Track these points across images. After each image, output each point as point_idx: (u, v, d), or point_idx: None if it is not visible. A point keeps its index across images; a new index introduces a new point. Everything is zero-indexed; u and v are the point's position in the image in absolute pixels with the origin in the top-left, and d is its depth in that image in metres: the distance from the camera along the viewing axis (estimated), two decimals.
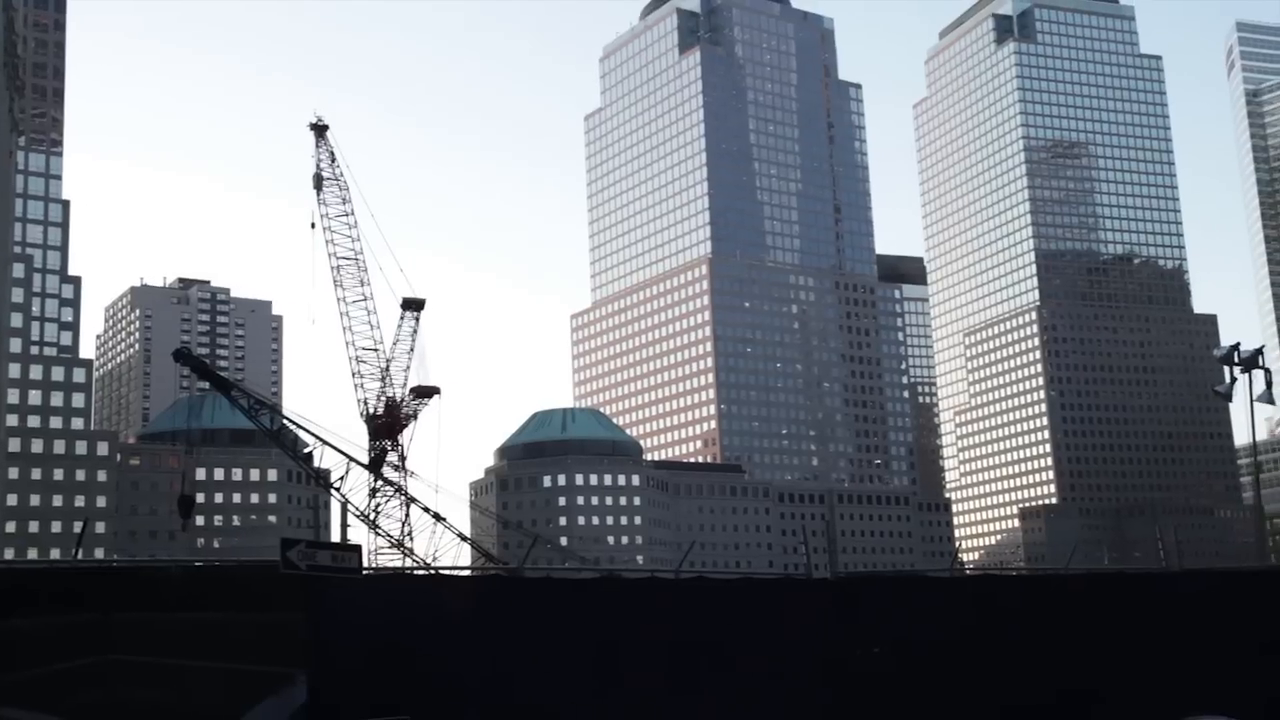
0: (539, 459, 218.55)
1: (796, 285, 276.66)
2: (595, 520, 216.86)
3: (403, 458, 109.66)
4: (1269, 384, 56.53)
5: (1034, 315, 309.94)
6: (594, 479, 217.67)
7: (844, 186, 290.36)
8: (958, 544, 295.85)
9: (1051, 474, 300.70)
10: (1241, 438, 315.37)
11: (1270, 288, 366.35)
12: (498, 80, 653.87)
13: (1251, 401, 56.48)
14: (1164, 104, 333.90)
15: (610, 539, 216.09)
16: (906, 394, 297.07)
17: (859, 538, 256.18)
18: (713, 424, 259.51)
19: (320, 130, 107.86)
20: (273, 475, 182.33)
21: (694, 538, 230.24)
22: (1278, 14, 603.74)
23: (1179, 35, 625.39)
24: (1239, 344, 56.39)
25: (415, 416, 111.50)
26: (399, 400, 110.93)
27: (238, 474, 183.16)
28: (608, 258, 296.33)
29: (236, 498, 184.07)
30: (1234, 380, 57.23)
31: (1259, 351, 56.45)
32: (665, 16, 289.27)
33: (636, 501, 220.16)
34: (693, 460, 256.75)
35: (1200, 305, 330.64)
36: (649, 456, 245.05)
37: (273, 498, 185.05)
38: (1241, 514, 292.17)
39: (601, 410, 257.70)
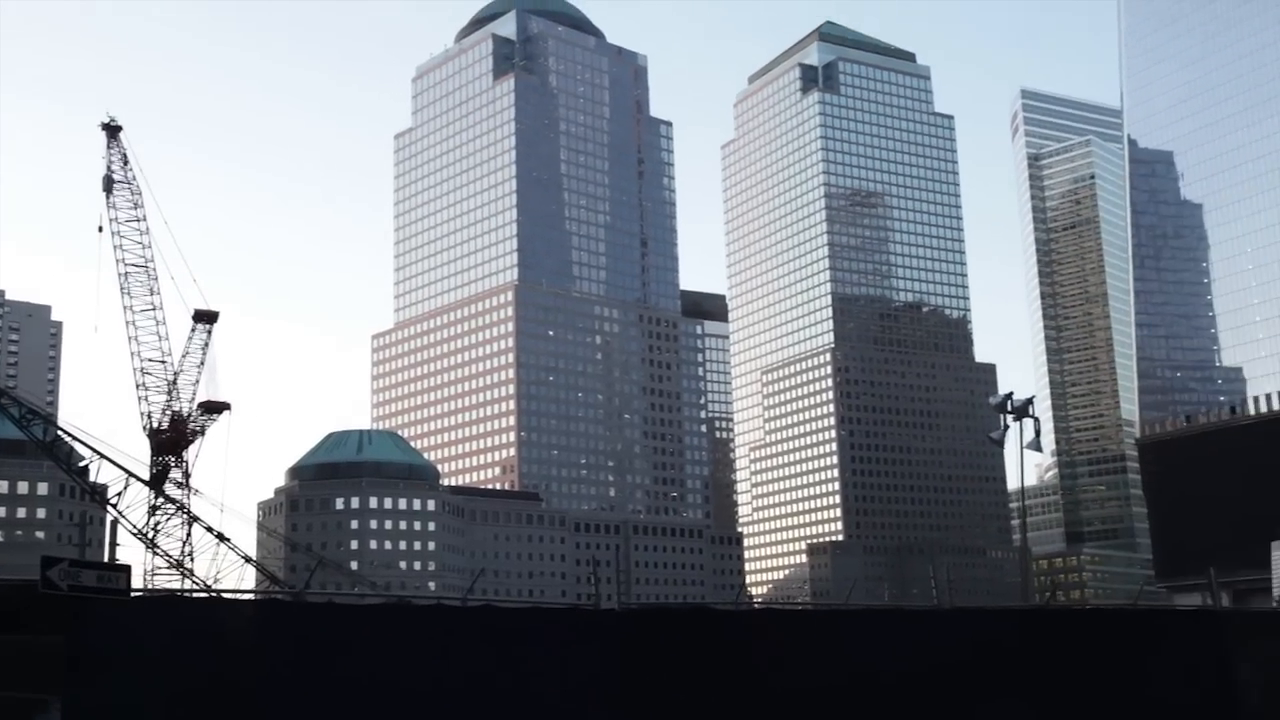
0: (332, 480, 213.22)
1: (601, 316, 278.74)
2: (388, 545, 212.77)
3: (187, 475, 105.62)
4: (1038, 432, 60.14)
5: (828, 357, 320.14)
6: (388, 502, 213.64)
7: (651, 221, 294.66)
8: (748, 577, 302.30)
9: (839, 511, 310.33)
10: (1014, 482, 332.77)
11: (1044, 341, 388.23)
12: (309, 96, 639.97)
13: (1021, 448, 59.95)
14: (955, 161, 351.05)
15: (403, 564, 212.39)
16: (704, 428, 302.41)
17: (653, 569, 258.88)
18: (512, 451, 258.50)
19: (113, 131, 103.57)
20: (43, 489, 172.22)
21: (488, 565, 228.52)
22: (1060, 84, 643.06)
23: (970, 97, 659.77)
24: (1012, 394, 59.86)
25: (203, 433, 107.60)
26: (186, 415, 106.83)
27: (4, 486, 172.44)
28: (412, 279, 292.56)
29: (2, 512, 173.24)
30: (1007, 428, 60.72)
31: (1029, 402, 60.05)
32: (480, 41, 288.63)
33: (431, 527, 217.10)
34: (491, 487, 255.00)
35: (981, 354, 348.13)
36: (446, 481, 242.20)
37: (42, 513, 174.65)
38: (1011, 555, 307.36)
39: (400, 433, 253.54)
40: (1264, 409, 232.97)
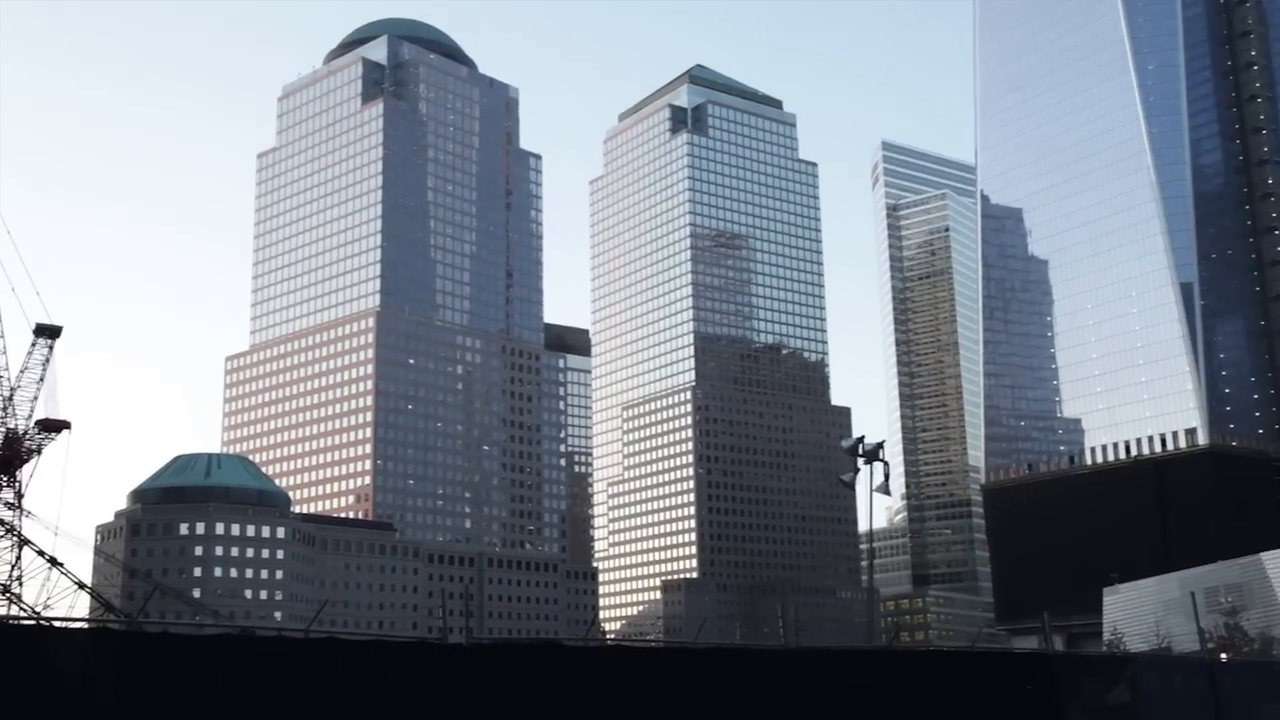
0: (177, 505, 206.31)
1: (463, 346, 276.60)
2: (234, 573, 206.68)
3: (19, 495, 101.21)
4: (887, 476, 61.51)
5: (689, 395, 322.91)
6: (235, 529, 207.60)
7: (517, 253, 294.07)
8: (602, 613, 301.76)
9: (694, 548, 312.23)
10: (865, 524, 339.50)
11: (898, 387, 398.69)
12: (172, 113, 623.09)
13: (871, 491, 61.34)
14: (817, 207, 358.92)
15: (248, 593, 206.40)
16: (563, 462, 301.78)
17: (507, 602, 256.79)
18: (367, 480, 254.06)
19: None
20: None
21: (339, 596, 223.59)
22: (919, 139, 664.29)
23: (834, 146, 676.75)
24: (863, 438, 61.18)
25: (39, 452, 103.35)
26: (22, 433, 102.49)
27: None
28: (270, 302, 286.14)
29: None
30: (857, 471, 62.02)
31: (880, 446, 61.44)
32: (350, 64, 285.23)
33: (280, 555, 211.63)
34: (344, 516, 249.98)
35: (838, 398, 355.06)
36: (298, 509, 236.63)
37: None
38: (860, 595, 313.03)
39: (252, 458, 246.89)
40: (1100, 460, 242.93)
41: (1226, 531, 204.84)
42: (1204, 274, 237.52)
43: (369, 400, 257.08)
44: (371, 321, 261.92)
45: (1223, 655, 63.76)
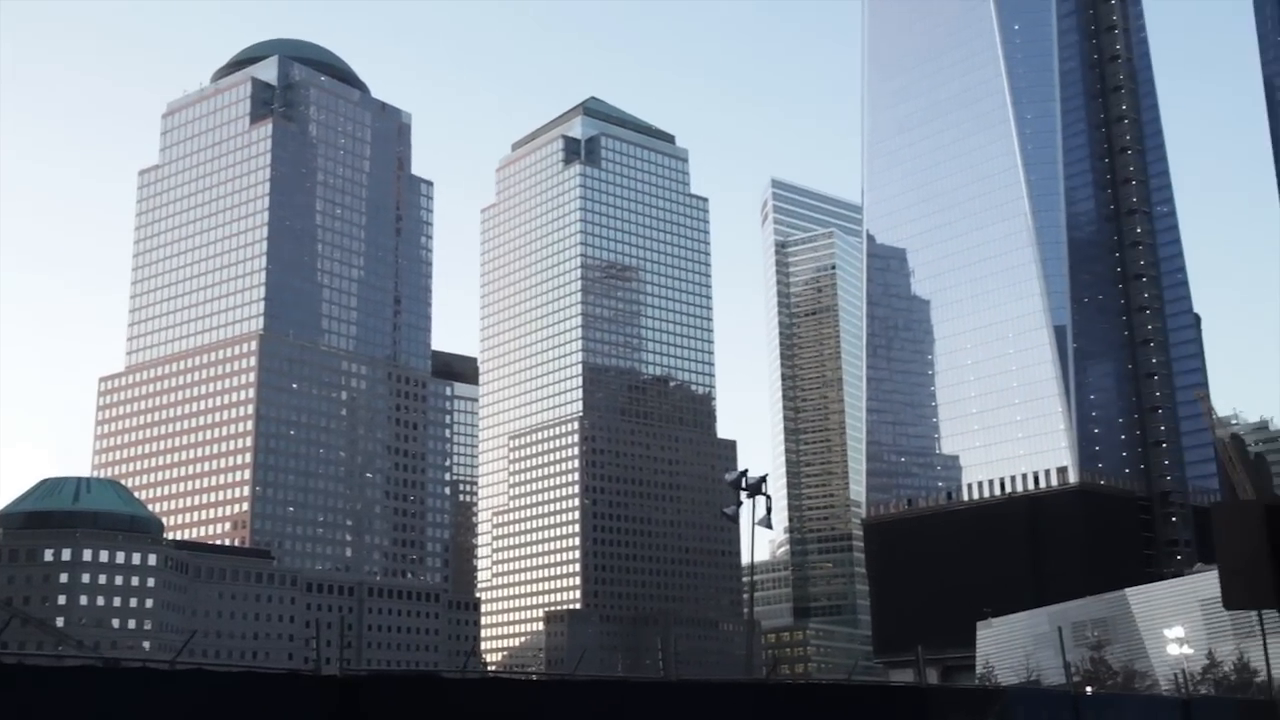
0: (42, 530, 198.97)
1: (348, 372, 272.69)
2: (101, 601, 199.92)
3: None
4: (769, 510, 62.17)
5: (576, 425, 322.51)
6: (104, 556, 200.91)
7: (406, 279, 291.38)
8: (484, 644, 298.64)
9: (578, 579, 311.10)
10: (748, 557, 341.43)
11: (783, 421, 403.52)
12: (51, 127, 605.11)
13: (754, 524, 61.98)
14: (707, 242, 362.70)
15: (116, 622, 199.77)
16: (448, 490, 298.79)
17: (386, 633, 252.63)
18: (245, 506, 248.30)
19: None
20: None
21: (212, 625, 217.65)
22: (809, 177, 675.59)
23: (725, 182, 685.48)
24: (746, 471, 61.83)
25: None
26: None
27: None
28: (149, 322, 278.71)
29: None
30: (740, 504, 62.64)
31: (763, 479, 62.09)
32: (239, 84, 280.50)
33: (150, 583, 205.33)
34: (220, 543, 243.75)
35: (724, 431, 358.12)
36: (172, 535, 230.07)
37: None
38: (742, 628, 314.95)
39: (124, 483, 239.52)
40: (976, 496, 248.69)
41: (1094, 568, 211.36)
42: (1076, 318, 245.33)
43: (249, 425, 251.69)
44: (254, 344, 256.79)
45: (1088, 688, 65.62)
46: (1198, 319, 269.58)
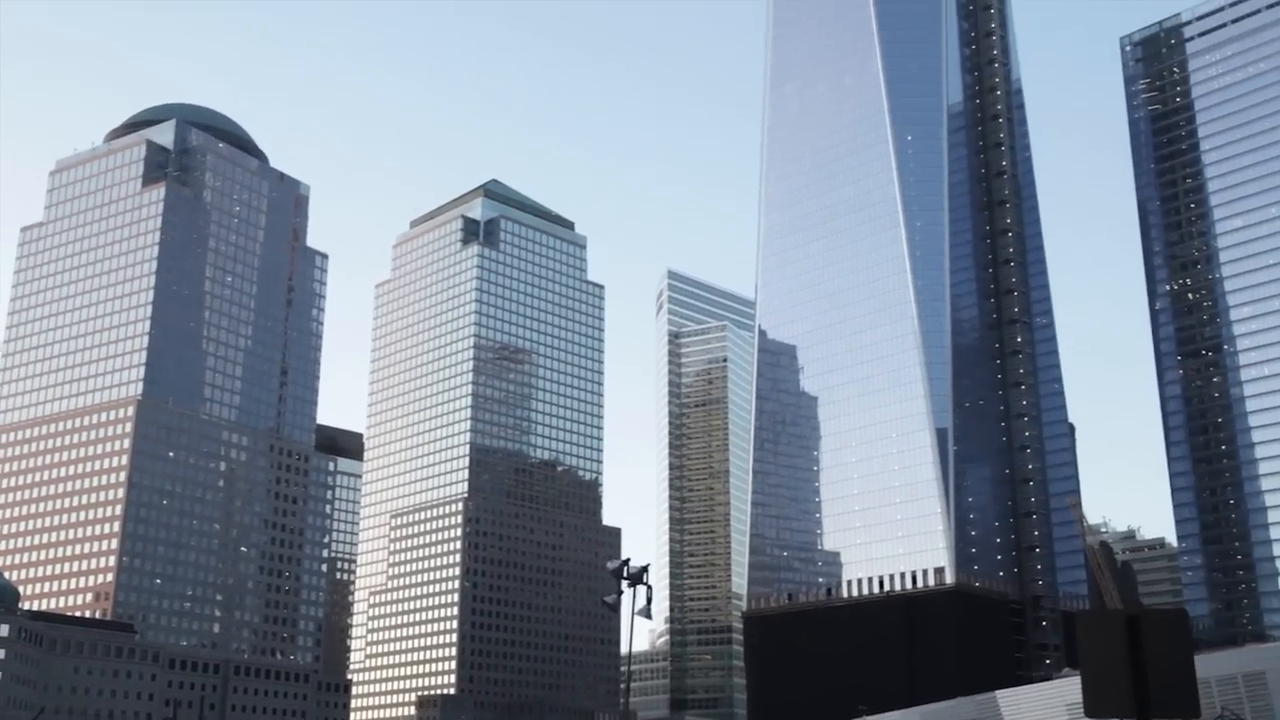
0: None
1: (229, 442, 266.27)
2: None
3: None
4: (649, 600, 62.15)
5: (460, 506, 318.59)
6: None
7: (295, 351, 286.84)
8: None
9: (454, 663, 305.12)
10: (627, 646, 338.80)
11: (669, 511, 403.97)
12: None
13: (634, 614, 61.80)
14: (601, 329, 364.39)
15: None
16: (325, 568, 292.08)
17: (252, 714, 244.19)
18: (109, 577, 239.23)
19: None
20: None
21: (65, 701, 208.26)
22: (704, 270, 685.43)
23: (622, 271, 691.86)
24: (628, 560, 61.84)
25: None
26: None
27: None
28: (20, 382, 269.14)
29: None
30: (620, 593, 62.49)
31: (644, 569, 62.14)
32: (133, 145, 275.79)
33: (0, 655, 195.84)
34: (81, 615, 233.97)
35: (609, 518, 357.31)
36: (28, 605, 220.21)
37: None
38: (618, 718, 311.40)
39: None
40: (855, 593, 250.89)
41: (967, 668, 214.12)
42: (958, 421, 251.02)
43: (120, 493, 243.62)
44: (131, 410, 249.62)
45: None
46: (1072, 428, 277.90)
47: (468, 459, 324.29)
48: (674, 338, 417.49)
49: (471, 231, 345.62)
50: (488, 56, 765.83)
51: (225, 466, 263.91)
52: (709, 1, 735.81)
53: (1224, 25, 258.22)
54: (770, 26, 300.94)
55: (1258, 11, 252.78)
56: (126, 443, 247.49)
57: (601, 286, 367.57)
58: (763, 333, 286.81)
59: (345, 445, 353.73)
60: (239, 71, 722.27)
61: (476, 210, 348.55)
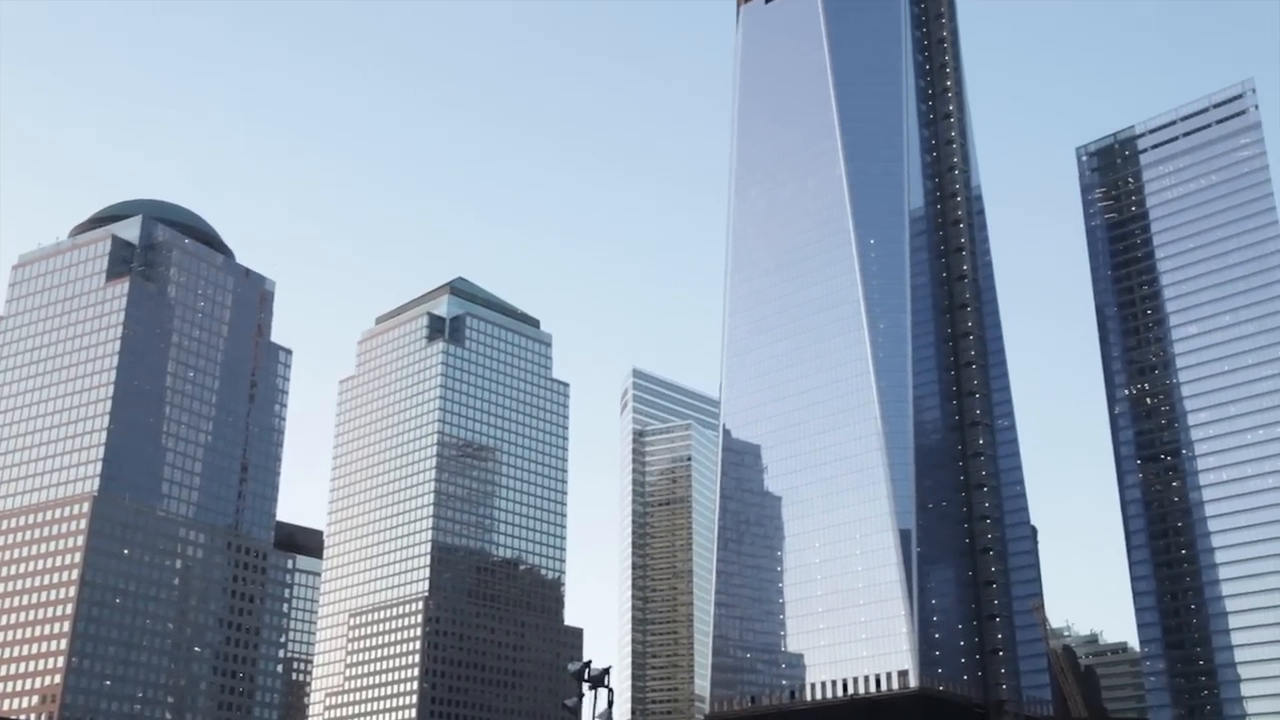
0: None
1: (186, 540, 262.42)
2: None
3: None
4: (610, 703, 61.45)
5: (420, 605, 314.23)
6: None
7: (256, 448, 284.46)
8: None
9: None
10: None
11: (631, 611, 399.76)
12: None
13: (594, 717, 60.94)
14: (566, 426, 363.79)
15: None
16: (281, 668, 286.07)
17: None
18: (58, 678, 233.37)
19: None
20: None
21: None
22: (667, 368, 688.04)
23: (587, 369, 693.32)
24: (590, 662, 61.20)
25: None
26: None
27: None
28: None
29: None
30: (581, 696, 61.71)
31: (606, 672, 61.55)
32: (99, 240, 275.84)
33: None
34: (25, 717, 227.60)
35: (572, 618, 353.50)
36: None
37: None
38: None
39: None
40: (819, 696, 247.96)
41: None
42: (921, 523, 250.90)
43: (71, 591, 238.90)
44: (87, 506, 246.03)
45: None
46: (1034, 531, 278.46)
47: (429, 557, 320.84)
48: (638, 436, 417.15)
49: (437, 328, 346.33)
50: (456, 153, 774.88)
51: (181, 564, 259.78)
52: (676, 99, 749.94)
53: (1175, 139, 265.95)
54: (736, 129, 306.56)
55: (1208, 126, 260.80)
56: (80, 540, 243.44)
57: (566, 384, 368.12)
58: (727, 432, 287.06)
59: (305, 543, 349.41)
60: (207, 167, 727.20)
61: (442, 307, 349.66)
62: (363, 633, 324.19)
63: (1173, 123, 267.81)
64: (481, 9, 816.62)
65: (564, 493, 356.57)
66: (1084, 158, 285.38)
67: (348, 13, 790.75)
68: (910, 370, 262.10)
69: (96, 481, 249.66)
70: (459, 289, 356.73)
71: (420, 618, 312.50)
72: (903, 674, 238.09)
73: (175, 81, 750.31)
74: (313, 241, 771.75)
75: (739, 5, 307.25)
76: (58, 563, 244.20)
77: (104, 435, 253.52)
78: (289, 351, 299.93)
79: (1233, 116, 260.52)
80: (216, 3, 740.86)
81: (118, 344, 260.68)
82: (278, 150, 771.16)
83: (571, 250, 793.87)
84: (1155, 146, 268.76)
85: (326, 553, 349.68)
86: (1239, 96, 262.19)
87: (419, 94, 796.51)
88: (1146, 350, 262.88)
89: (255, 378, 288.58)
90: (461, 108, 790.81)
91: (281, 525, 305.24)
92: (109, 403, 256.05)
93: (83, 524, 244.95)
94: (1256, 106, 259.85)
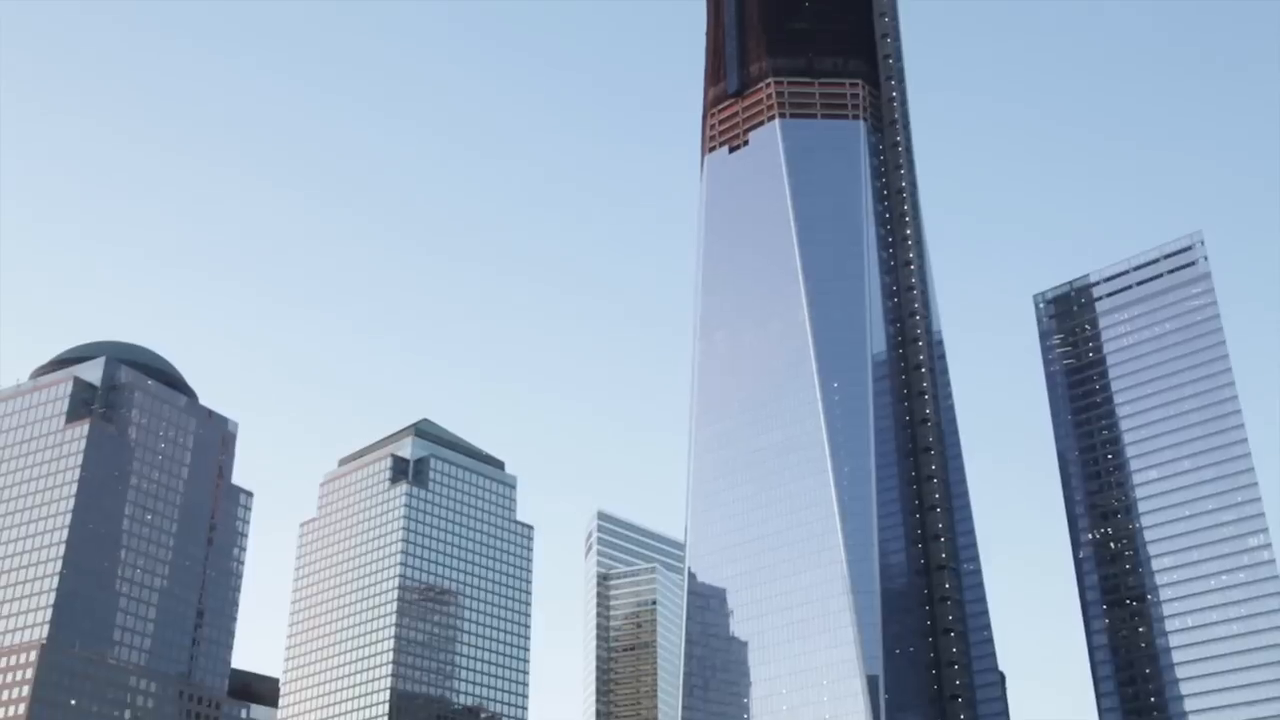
0: None
1: (136, 689, 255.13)
2: None
3: None
4: None
5: None
6: None
7: (213, 593, 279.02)
8: None
9: None
10: None
11: None
12: None
13: None
14: (530, 570, 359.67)
15: None
16: None
17: None
18: None
19: None
20: None
21: None
22: (632, 511, 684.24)
23: (552, 510, 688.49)
24: None
25: None
26: None
27: None
28: None
29: None
30: None
31: None
32: (59, 382, 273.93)
33: None
34: None
35: None
36: None
37: None
38: None
39: None
40: None
41: None
42: (888, 668, 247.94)
43: None
44: (34, 655, 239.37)
45: None
46: (1002, 677, 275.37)
47: (388, 704, 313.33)
48: (603, 579, 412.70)
49: (400, 470, 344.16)
50: (421, 293, 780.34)
51: (130, 715, 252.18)
52: (643, 242, 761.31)
53: (1129, 287, 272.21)
54: (700, 274, 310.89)
55: (1159, 276, 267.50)
56: (26, 690, 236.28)
57: (531, 527, 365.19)
58: (693, 575, 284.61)
59: (260, 690, 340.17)
60: (171, 309, 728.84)
61: (406, 449, 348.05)
62: None
63: (1125, 272, 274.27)
64: (450, 147, 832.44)
65: (527, 638, 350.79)
66: (1041, 305, 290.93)
67: (309, 152, 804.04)
68: (875, 514, 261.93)
69: (46, 629, 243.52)
70: (424, 430, 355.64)
71: None
72: None
73: (139, 224, 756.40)
74: (277, 382, 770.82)
75: (703, 154, 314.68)
76: (1, 715, 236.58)
77: (55, 581, 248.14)
78: (249, 494, 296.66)
79: (1183, 267, 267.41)
80: (183, 144, 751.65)
81: (74, 487, 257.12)
82: (243, 292, 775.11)
83: (536, 391, 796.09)
84: (1110, 295, 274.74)
85: (282, 701, 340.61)
86: (1189, 248, 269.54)
87: (384, 233, 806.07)
88: (1109, 494, 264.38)
89: (214, 521, 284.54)
90: (428, 248, 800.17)
91: (237, 673, 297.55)
92: (62, 547, 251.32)
93: (29, 673, 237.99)
94: (1205, 258, 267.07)
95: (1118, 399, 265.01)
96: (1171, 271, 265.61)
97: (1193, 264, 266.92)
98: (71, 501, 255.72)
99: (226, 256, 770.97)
